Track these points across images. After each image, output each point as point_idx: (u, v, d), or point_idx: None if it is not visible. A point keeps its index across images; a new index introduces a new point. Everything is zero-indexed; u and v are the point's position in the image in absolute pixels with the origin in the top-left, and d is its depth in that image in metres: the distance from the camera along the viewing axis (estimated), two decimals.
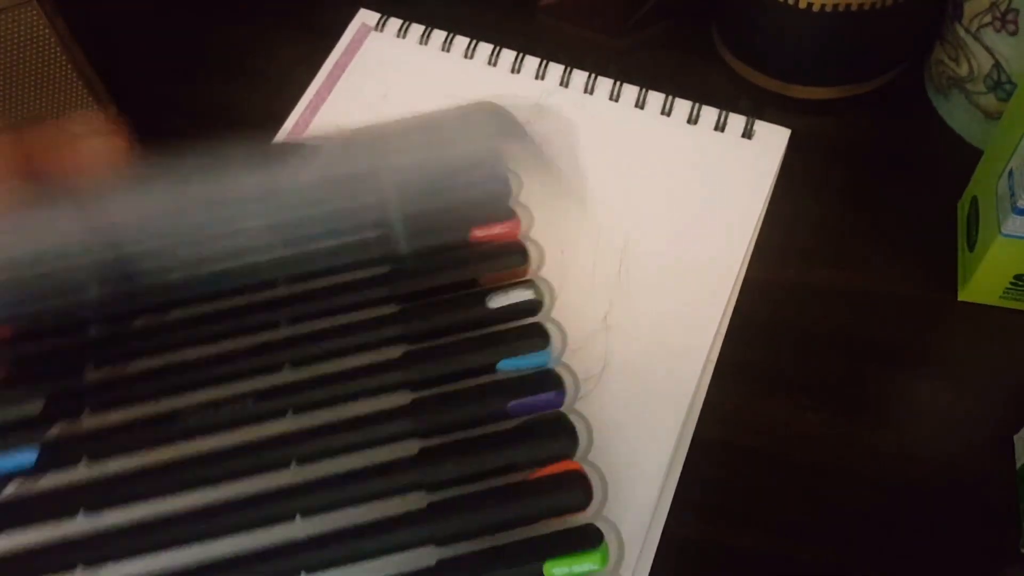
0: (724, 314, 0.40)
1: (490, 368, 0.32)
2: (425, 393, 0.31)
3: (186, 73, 0.49)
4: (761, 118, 0.45)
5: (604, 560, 0.29)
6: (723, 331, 0.39)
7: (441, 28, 0.48)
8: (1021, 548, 0.34)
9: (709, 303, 0.40)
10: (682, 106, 0.45)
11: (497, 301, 0.33)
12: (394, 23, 0.49)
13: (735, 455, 0.37)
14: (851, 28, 0.42)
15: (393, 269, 0.34)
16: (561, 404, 0.31)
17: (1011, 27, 0.39)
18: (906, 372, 0.38)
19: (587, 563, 0.29)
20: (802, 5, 0.42)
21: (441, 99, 0.46)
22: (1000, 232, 0.36)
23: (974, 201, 0.40)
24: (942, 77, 0.44)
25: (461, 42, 0.48)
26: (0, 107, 0.43)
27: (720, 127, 0.45)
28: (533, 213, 0.35)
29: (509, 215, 0.34)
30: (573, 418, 0.31)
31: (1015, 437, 0.36)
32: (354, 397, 0.31)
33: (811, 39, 0.43)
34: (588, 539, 0.29)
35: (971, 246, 0.40)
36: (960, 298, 0.40)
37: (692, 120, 0.45)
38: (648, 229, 0.42)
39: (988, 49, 0.41)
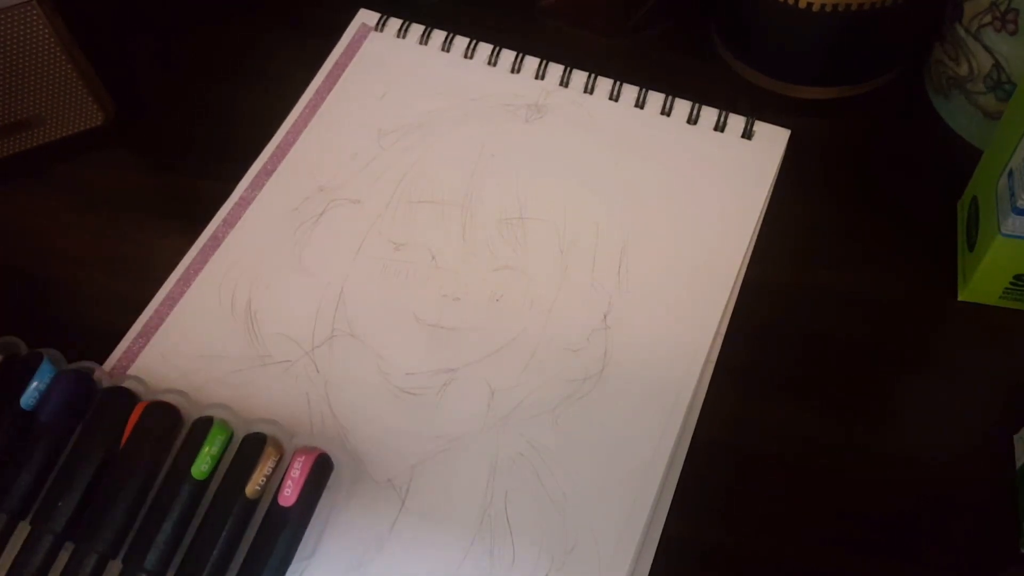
0: (723, 314, 0.40)
1: (19, 410, 0.35)
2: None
3: (186, 73, 0.49)
4: (761, 118, 0.45)
5: (224, 430, 0.35)
6: (722, 332, 0.39)
7: (441, 28, 0.48)
8: (1021, 548, 0.34)
9: (708, 303, 0.40)
10: (682, 106, 0.45)
11: None
12: (394, 23, 0.49)
13: (734, 456, 0.37)
14: (851, 28, 0.42)
15: None
16: (92, 376, 0.36)
17: (1011, 27, 0.39)
18: (906, 372, 0.38)
19: (216, 442, 0.34)
20: (802, 5, 0.42)
21: (441, 99, 0.46)
22: (1000, 232, 0.36)
23: (974, 201, 0.40)
24: (942, 77, 0.44)
25: (461, 42, 0.48)
26: (0, 107, 0.43)
27: (720, 127, 0.45)
28: None
29: None
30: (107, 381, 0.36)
31: (1015, 437, 0.36)
32: None
33: (811, 39, 0.43)
34: (203, 428, 0.34)
35: (971, 246, 0.40)
36: (960, 298, 0.40)
37: (692, 120, 0.45)
38: (648, 229, 0.42)
39: (988, 49, 0.41)
